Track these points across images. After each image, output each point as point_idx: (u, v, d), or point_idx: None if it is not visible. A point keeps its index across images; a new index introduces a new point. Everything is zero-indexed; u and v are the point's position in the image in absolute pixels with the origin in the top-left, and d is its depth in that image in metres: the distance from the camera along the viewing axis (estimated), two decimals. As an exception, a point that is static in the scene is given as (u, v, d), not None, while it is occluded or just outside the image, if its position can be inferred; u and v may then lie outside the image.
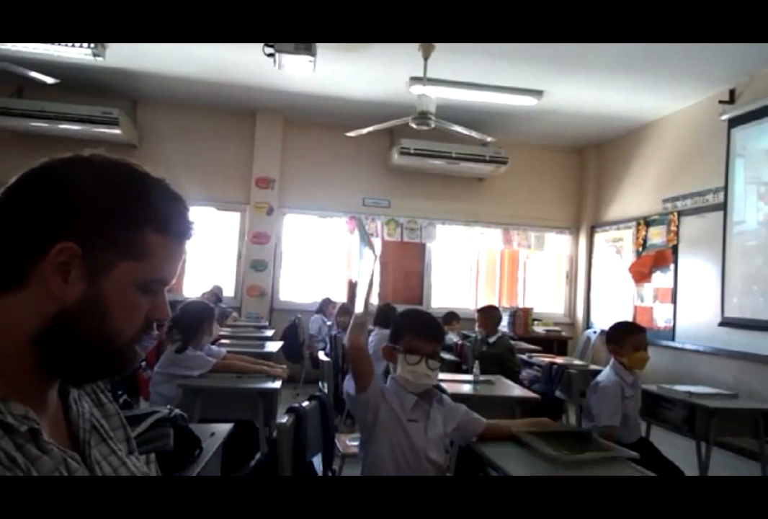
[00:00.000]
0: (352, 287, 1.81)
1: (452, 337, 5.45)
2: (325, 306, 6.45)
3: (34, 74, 4.65)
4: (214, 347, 3.37)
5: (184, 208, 0.72)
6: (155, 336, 4.37)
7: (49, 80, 4.75)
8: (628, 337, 2.91)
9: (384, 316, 4.65)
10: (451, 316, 5.96)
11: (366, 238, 2.02)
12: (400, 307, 6.47)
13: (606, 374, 2.93)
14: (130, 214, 0.66)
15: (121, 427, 0.79)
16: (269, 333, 5.55)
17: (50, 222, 0.63)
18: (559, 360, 4.50)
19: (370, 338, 4.73)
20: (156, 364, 3.24)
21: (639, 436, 2.95)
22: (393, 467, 1.79)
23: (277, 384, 3.04)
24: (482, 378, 3.35)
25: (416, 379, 1.84)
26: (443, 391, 3.25)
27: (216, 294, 6.16)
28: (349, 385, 1.82)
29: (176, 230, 0.70)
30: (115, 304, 0.65)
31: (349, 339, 1.84)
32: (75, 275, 0.63)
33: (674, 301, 5.65)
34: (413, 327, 1.91)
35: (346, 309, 5.68)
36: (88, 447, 0.68)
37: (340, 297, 6.73)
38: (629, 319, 6.30)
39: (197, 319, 3.14)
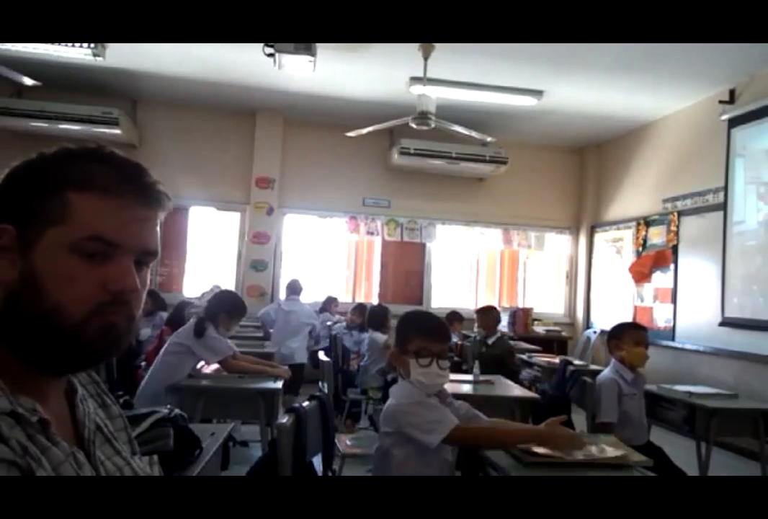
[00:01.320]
0: None
1: (452, 338, 5.45)
2: (328, 305, 6.44)
3: (16, 75, 4.58)
4: (229, 341, 3.39)
5: (117, 164, 0.68)
6: (157, 325, 4.39)
7: (29, 82, 4.68)
8: (629, 330, 2.95)
9: (377, 317, 4.63)
10: (454, 317, 5.84)
11: None
12: (400, 307, 6.45)
13: (604, 372, 2.95)
14: (46, 181, 0.65)
15: (123, 429, 0.80)
16: (269, 333, 5.55)
17: None
18: (556, 360, 4.49)
19: (365, 340, 4.73)
20: None
21: (646, 439, 2.91)
22: (417, 468, 1.78)
23: (279, 384, 3.04)
24: (482, 378, 3.36)
25: (431, 381, 1.83)
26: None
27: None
28: (431, 437, 1.72)
29: (103, 184, 0.65)
30: (49, 274, 0.62)
31: (507, 440, 1.80)
32: (15, 256, 0.63)
33: (674, 301, 5.65)
34: (420, 329, 1.90)
35: (361, 309, 5.64)
36: (93, 446, 0.69)
37: (342, 296, 6.77)
38: (629, 319, 6.31)
39: (217, 305, 3.23)
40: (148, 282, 0.72)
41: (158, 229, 0.71)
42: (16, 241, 0.63)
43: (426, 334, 1.87)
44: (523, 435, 1.86)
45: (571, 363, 3.95)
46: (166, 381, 2.89)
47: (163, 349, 3.14)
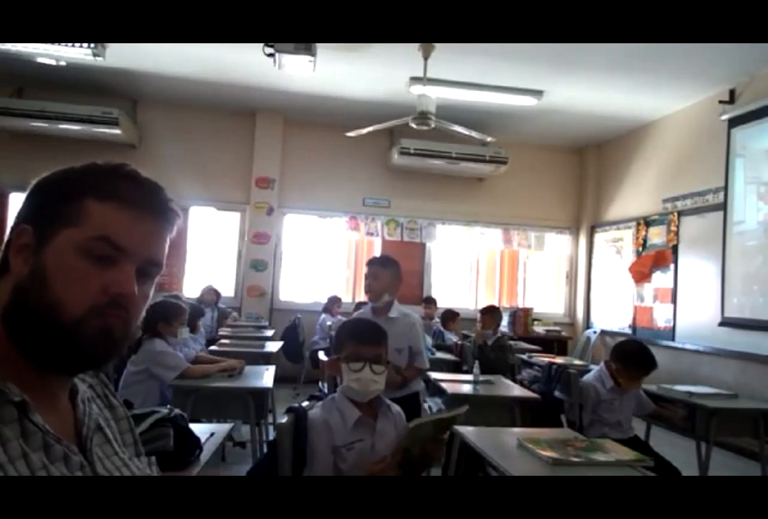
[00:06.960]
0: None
1: (452, 338, 5.45)
2: (330, 305, 6.42)
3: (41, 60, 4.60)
4: (185, 348, 3.32)
5: (139, 180, 0.72)
6: None
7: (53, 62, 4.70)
8: (639, 371, 2.84)
9: None
10: (448, 315, 5.81)
11: None
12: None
13: (591, 374, 2.97)
14: (69, 188, 0.69)
15: (128, 430, 0.82)
16: (269, 333, 5.55)
17: (19, 214, 0.70)
18: (559, 360, 4.49)
19: None
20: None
21: (629, 435, 2.90)
22: None
23: (269, 383, 3.03)
24: (482, 378, 3.36)
25: (363, 387, 1.78)
26: (443, 391, 3.26)
27: (215, 293, 6.15)
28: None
29: (123, 197, 0.69)
30: (56, 271, 0.65)
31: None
32: (29, 253, 0.67)
33: (674, 301, 5.65)
34: (352, 334, 1.88)
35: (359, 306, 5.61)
36: (90, 442, 0.70)
37: (343, 296, 6.76)
38: (629, 319, 6.31)
39: (151, 318, 3.03)
40: (150, 295, 0.75)
41: (166, 245, 0.74)
42: (33, 240, 0.67)
43: (357, 338, 1.84)
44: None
45: (554, 363, 3.97)
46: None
47: (123, 381, 2.95)
